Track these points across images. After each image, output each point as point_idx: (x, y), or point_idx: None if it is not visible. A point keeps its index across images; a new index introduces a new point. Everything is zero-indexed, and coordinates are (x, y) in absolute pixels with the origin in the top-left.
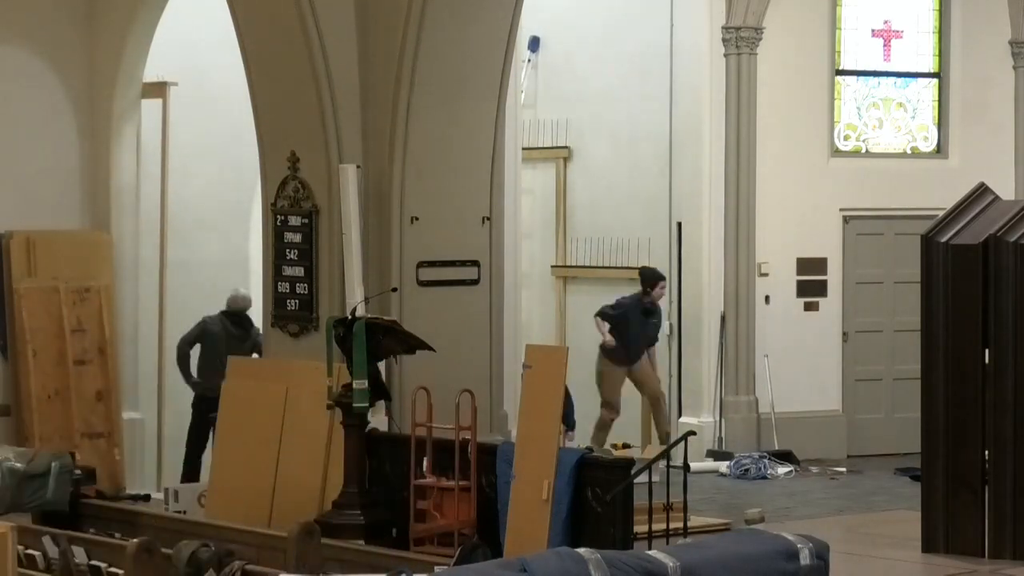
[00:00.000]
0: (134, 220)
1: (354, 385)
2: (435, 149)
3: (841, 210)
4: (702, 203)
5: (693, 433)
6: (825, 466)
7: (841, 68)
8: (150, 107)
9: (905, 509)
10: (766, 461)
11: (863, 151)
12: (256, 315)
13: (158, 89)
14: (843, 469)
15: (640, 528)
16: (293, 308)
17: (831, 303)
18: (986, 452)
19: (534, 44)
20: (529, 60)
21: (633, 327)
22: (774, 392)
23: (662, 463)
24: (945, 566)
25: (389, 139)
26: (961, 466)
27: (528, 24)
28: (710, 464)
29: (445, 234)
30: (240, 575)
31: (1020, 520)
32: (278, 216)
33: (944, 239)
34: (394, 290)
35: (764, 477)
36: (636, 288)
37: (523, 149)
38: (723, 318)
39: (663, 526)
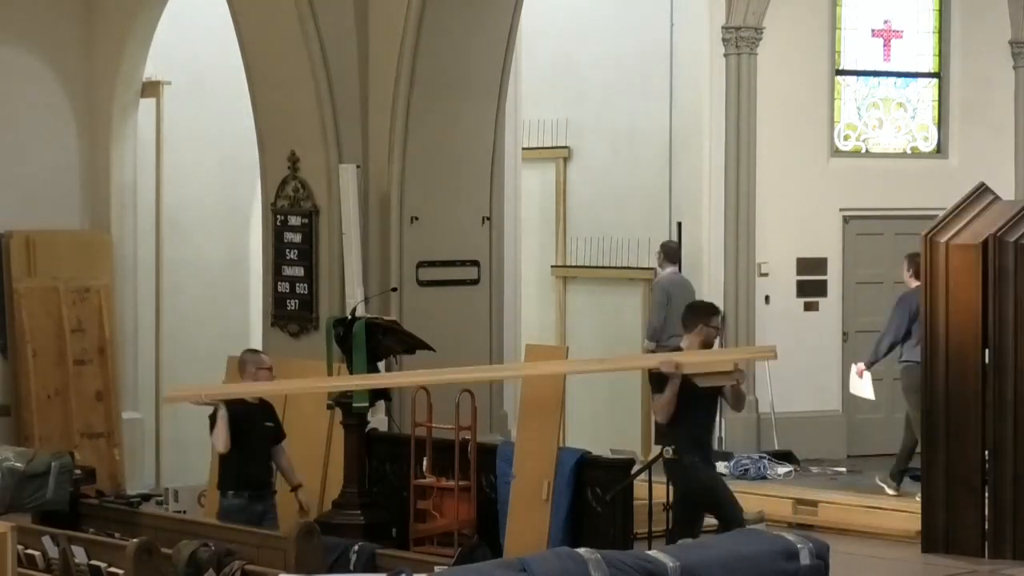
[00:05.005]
0: (134, 220)
1: None
2: (435, 149)
3: (841, 210)
4: (702, 203)
5: None
6: (825, 466)
7: (841, 68)
8: (145, 106)
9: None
10: (765, 461)
11: (863, 151)
12: (256, 315)
13: (152, 88)
14: (843, 469)
15: (640, 528)
16: (293, 308)
17: (831, 303)
18: (986, 452)
19: None
20: None
21: None
22: (774, 392)
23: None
24: (945, 566)
25: (389, 139)
26: (961, 466)
27: (527, 24)
28: None
29: (445, 234)
30: (240, 575)
31: (1020, 520)
32: (278, 216)
33: (944, 239)
34: (394, 290)
35: (764, 477)
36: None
37: (523, 149)
38: (723, 318)
39: (663, 526)
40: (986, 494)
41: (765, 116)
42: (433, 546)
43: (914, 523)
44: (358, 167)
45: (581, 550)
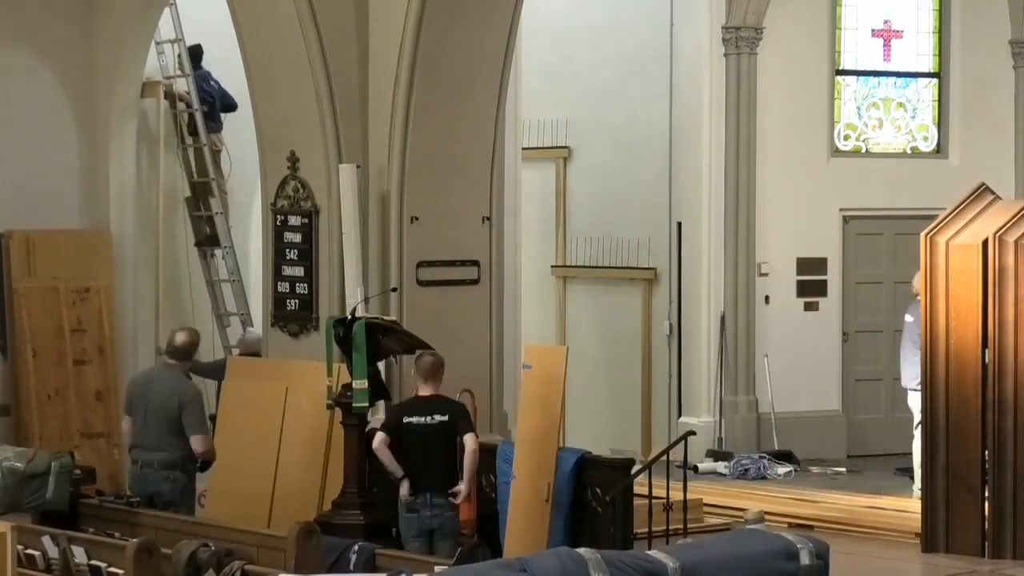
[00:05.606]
0: (134, 220)
1: (354, 385)
2: (435, 149)
3: (841, 210)
4: (702, 203)
5: (693, 433)
6: (825, 466)
7: (841, 68)
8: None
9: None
10: (765, 461)
11: (863, 151)
12: (257, 315)
13: (152, 88)
14: (843, 469)
15: (640, 528)
16: (293, 308)
17: (831, 303)
18: (986, 452)
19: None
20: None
21: None
22: (774, 392)
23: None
24: (945, 566)
25: (389, 139)
26: (961, 466)
27: (527, 24)
28: (709, 464)
29: (445, 234)
30: (240, 575)
31: (1020, 520)
32: (278, 216)
33: (944, 239)
34: (394, 290)
35: (764, 477)
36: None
37: (523, 149)
38: (723, 318)
39: (663, 526)
40: (986, 494)
41: (765, 116)
42: None
43: (914, 523)
44: (358, 167)
45: (581, 550)
